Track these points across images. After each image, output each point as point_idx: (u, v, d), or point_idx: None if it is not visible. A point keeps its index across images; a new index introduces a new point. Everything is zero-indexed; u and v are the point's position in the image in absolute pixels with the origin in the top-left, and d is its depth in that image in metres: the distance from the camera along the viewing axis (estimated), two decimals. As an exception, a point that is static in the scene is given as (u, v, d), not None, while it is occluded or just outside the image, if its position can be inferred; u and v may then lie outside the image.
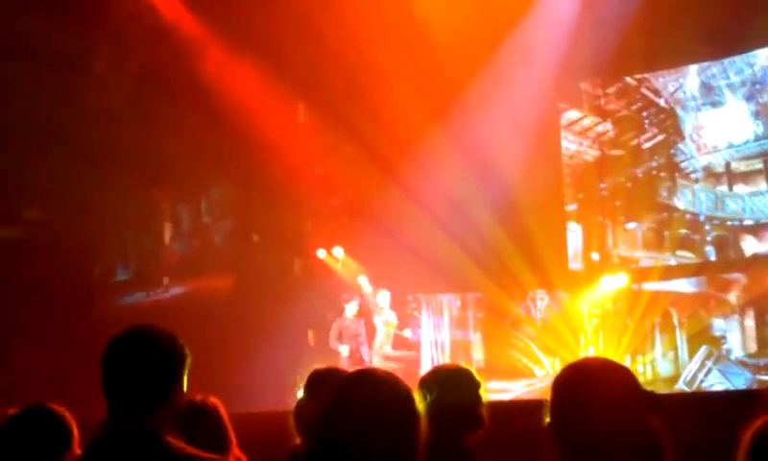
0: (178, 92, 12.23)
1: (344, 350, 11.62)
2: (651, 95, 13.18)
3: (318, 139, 12.97)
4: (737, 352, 12.18)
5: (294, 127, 13.20)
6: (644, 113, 13.28)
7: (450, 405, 3.21)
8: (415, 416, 2.16)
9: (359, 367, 4.30)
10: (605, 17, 11.57)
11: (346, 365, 10.84)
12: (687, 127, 12.95)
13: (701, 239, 12.72)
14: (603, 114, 13.55)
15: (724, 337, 12.31)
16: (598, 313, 12.60)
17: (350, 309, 11.89)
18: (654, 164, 13.17)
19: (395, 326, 12.42)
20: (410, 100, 11.46)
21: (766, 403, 1.99)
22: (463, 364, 3.54)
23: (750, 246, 12.38)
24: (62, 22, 11.78)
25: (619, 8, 11.53)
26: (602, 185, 13.50)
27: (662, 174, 13.08)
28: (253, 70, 12.04)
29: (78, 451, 3.11)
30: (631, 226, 13.22)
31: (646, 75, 13.16)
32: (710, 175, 12.79)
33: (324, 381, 3.60)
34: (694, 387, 12.05)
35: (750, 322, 12.20)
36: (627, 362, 11.74)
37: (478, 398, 3.32)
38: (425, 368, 12.31)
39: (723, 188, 12.65)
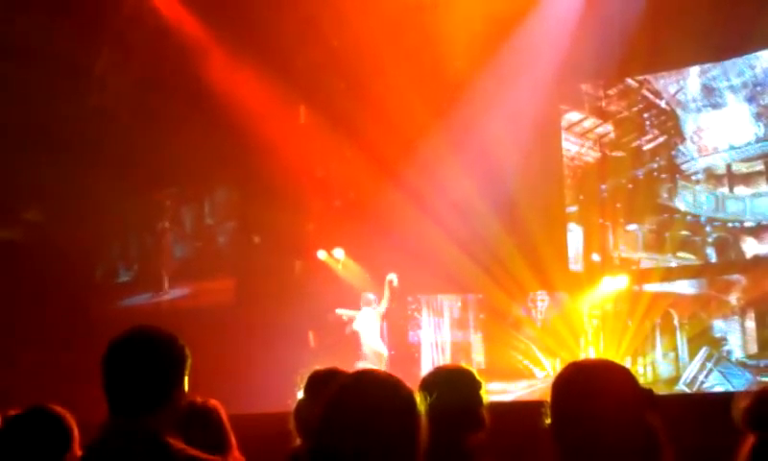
0: (180, 94, 12.25)
1: (385, 350, 11.77)
2: (652, 97, 13.18)
3: (319, 141, 12.97)
4: (738, 354, 12.18)
5: (295, 128, 13.21)
6: (645, 115, 13.28)
7: (451, 406, 3.21)
8: (416, 417, 2.16)
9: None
10: (606, 19, 11.58)
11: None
12: (688, 128, 12.95)
13: (701, 241, 12.72)
14: (604, 116, 13.56)
15: (724, 339, 12.31)
16: (599, 314, 12.61)
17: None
18: (655, 166, 13.18)
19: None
20: (412, 101, 11.46)
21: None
22: (463, 365, 3.54)
23: (750, 247, 12.38)
24: (64, 22, 11.78)
25: (621, 9, 11.54)
26: (603, 187, 13.50)
27: (663, 175, 13.08)
28: (255, 71, 12.04)
29: (78, 452, 3.11)
30: (631, 227, 13.22)
31: (647, 77, 13.16)
32: (711, 176, 12.79)
33: (323, 382, 3.59)
34: (695, 388, 12.05)
35: (750, 323, 12.20)
36: (627, 363, 11.74)
37: (479, 399, 3.32)
38: (426, 369, 12.32)
39: (724, 190, 12.65)
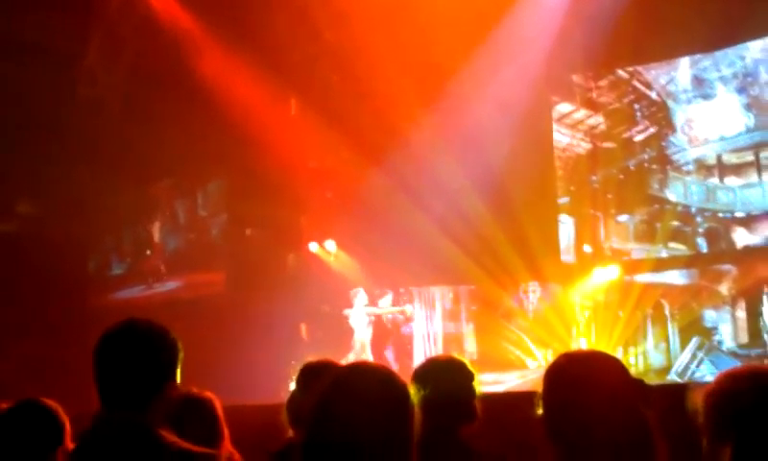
0: (173, 86, 12.20)
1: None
2: (643, 88, 13.20)
3: (311, 133, 12.95)
4: (729, 343, 12.23)
5: (287, 120, 13.19)
6: (636, 106, 13.30)
7: (444, 397, 3.23)
8: (409, 408, 2.16)
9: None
10: (596, 10, 11.57)
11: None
12: (679, 119, 12.97)
13: (692, 231, 12.76)
14: (595, 107, 13.57)
15: (715, 328, 12.35)
16: (590, 305, 12.64)
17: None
18: (645, 157, 13.20)
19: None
20: (404, 94, 11.45)
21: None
22: (456, 356, 3.55)
23: (741, 238, 12.42)
24: (54, 15, 11.74)
25: (611, 0, 11.54)
26: (594, 178, 13.52)
27: (654, 166, 13.11)
28: (248, 64, 12.00)
29: (70, 445, 3.11)
30: (623, 218, 13.25)
31: (638, 68, 13.17)
32: (702, 167, 12.82)
33: (316, 374, 3.60)
34: (686, 378, 12.09)
35: (741, 313, 12.25)
36: (619, 354, 11.79)
37: (471, 389, 3.34)
38: (418, 360, 12.37)
39: (714, 180, 12.68)
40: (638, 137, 13.25)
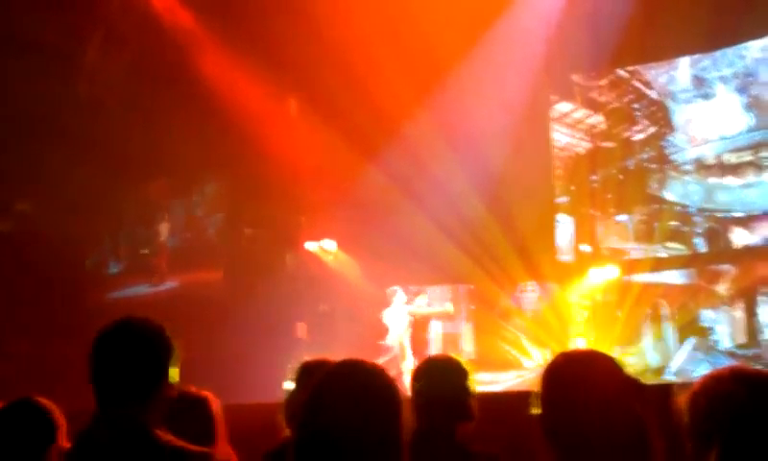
0: (172, 85, 12.20)
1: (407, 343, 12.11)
2: (642, 87, 13.21)
3: (310, 132, 12.95)
4: (726, 343, 12.24)
5: (286, 119, 13.18)
6: (636, 105, 13.30)
7: (441, 396, 3.23)
8: (398, 404, 2.17)
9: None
10: (597, 9, 11.59)
11: None
12: (678, 119, 12.98)
13: (691, 231, 12.77)
14: (594, 106, 13.58)
15: (713, 328, 12.37)
16: (588, 305, 12.65)
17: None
18: (645, 156, 13.21)
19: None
20: (403, 93, 11.45)
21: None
22: (453, 355, 3.55)
23: (739, 237, 12.43)
24: (53, 13, 11.73)
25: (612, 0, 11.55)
26: (593, 177, 13.53)
27: (653, 166, 13.12)
28: (247, 62, 12.01)
29: (66, 444, 3.11)
30: (621, 218, 13.26)
31: (638, 67, 13.18)
32: (701, 167, 12.82)
33: (313, 373, 3.59)
34: (683, 378, 12.10)
35: (739, 313, 12.25)
36: (617, 353, 11.73)
37: (468, 389, 3.34)
38: (412, 360, 12.44)
39: (713, 180, 12.69)
40: (638, 137, 13.26)
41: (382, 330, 12.94)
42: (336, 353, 2.53)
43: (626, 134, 13.34)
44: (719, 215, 12.56)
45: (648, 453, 2.14)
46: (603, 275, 12.63)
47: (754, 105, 12.38)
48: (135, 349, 2.60)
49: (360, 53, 11.47)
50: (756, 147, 12.35)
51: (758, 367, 2.49)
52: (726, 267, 12.52)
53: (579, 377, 2.22)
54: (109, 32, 12.53)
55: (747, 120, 12.44)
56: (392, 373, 2.22)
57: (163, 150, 12.99)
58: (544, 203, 13.13)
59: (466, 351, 12.99)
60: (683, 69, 12.92)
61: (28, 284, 12.44)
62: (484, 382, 12.02)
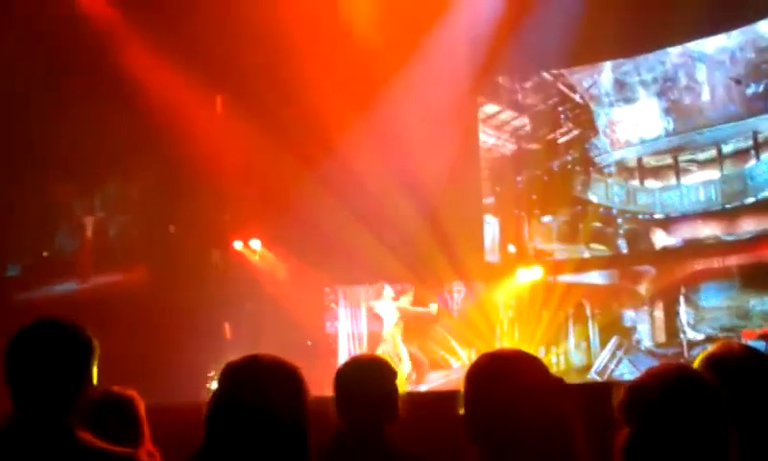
0: (91, 82, 11.93)
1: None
2: (567, 90, 13.40)
3: (236, 130, 12.81)
4: (647, 342, 12.50)
5: (212, 117, 13.02)
6: (560, 108, 13.49)
7: (366, 396, 3.22)
8: (302, 397, 2.29)
9: None
10: (523, 14, 11.71)
11: None
12: (601, 122, 13.20)
13: (613, 232, 13.00)
14: (520, 109, 13.74)
15: (634, 328, 12.61)
16: (514, 305, 12.78)
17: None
18: (569, 158, 13.41)
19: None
20: (330, 91, 11.41)
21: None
22: (379, 355, 3.54)
23: (660, 239, 12.70)
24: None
25: (537, 5, 11.68)
26: (519, 179, 13.68)
27: (577, 168, 13.32)
28: (173, 59, 11.81)
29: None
30: (546, 219, 13.43)
31: (562, 71, 13.37)
32: (623, 169, 13.07)
33: (238, 374, 3.55)
34: (605, 377, 12.31)
35: (659, 313, 12.52)
36: (541, 353, 11.95)
37: (394, 388, 3.33)
38: (342, 359, 12.33)
39: (635, 183, 12.94)
40: (562, 139, 13.45)
41: (309, 330, 12.91)
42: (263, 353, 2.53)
43: (551, 137, 13.52)
44: (640, 217, 12.81)
45: (571, 453, 2.16)
46: (528, 275, 12.77)
47: (673, 109, 12.66)
48: (54, 348, 2.53)
49: (291, 52, 11.40)
50: (675, 151, 12.62)
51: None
52: (647, 268, 12.77)
53: (502, 377, 2.23)
54: (27, 27, 12.17)
55: (666, 124, 12.71)
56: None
57: (79, 147, 12.69)
58: (472, 203, 13.23)
59: (392, 350, 13.02)
60: (605, 73, 13.15)
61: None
62: (411, 382, 12.07)
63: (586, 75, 13.32)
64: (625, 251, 12.98)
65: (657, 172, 12.80)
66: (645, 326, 12.58)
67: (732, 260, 12.14)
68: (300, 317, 12.64)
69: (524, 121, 13.76)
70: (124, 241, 14.07)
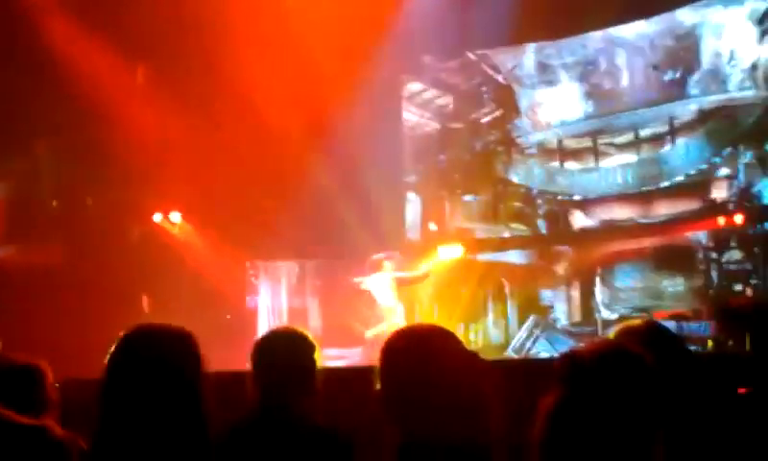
0: (7, 48, 11.55)
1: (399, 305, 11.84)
2: (490, 71, 13.49)
3: (157, 100, 12.57)
4: (563, 321, 12.73)
5: (133, 88, 12.75)
6: (484, 89, 13.59)
7: (283, 369, 3.20)
8: (190, 351, 2.37)
9: None
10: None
11: None
12: (524, 103, 13.34)
13: (533, 212, 13.18)
14: (444, 87, 13.79)
15: (551, 307, 12.84)
16: (433, 282, 12.84)
17: None
18: (492, 139, 13.53)
19: None
20: (253, 63, 11.27)
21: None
22: (297, 328, 3.50)
23: (578, 220, 12.92)
24: None
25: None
26: (441, 158, 13.75)
27: (500, 148, 13.45)
28: (91, 26, 11.51)
29: None
30: (468, 198, 13.54)
31: (486, 51, 13.44)
32: (544, 151, 13.24)
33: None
34: (522, 354, 12.50)
35: (575, 292, 12.76)
36: (460, 330, 12.07)
37: (312, 363, 3.31)
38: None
39: (555, 164, 13.12)
40: (485, 119, 13.56)
41: (230, 304, 12.79)
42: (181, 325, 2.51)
43: (474, 116, 13.62)
44: (559, 198, 13.00)
45: (487, 427, 2.18)
46: (449, 253, 12.84)
47: (593, 93, 12.85)
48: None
49: (214, 22, 11.22)
50: (594, 134, 12.82)
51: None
52: (564, 248, 13.00)
53: (416, 353, 2.23)
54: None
55: (585, 107, 12.90)
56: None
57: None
58: (394, 181, 13.25)
59: (313, 326, 12.98)
60: (528, 55, 13.27)
61: None
62: (330, 357, 12.05)
63: (509, 56, 13.42)
64: (544, 231, 13.17)
65: (576, 154, 13.00)
66: (562, 305, 12.81)
67: (647, 242, 12.44)
68: (220, 291, 12.51)
69: (448, 100, 13.82)
70: (39, 212, 13.72)
